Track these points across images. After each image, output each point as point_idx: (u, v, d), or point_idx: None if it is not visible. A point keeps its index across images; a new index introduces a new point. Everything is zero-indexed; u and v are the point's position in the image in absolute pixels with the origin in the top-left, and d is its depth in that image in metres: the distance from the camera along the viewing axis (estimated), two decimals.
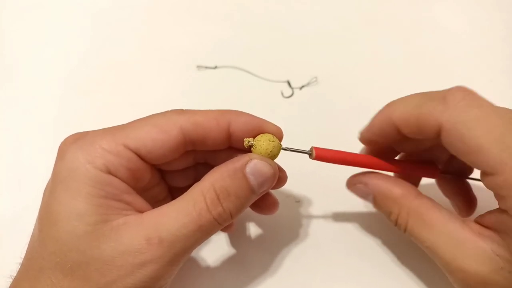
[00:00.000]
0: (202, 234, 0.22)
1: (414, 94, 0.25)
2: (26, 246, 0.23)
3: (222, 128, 0.24)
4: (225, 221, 0.23)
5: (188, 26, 0.46)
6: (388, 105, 0.26)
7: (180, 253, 0.22)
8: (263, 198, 0.28)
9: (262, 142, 0.24)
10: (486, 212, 0.23)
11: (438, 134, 0.23)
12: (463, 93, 0.22)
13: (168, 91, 0.41)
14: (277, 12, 0.47)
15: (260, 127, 0.25)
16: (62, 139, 0.24)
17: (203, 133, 0.24)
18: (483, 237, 0.22)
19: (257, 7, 0.47)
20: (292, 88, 0.41)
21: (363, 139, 0.28)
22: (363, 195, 0.28)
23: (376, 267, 0.30)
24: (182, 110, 0.25)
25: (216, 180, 0.23)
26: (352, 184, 0.28)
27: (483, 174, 0.21)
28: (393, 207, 0.25)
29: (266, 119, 0.26)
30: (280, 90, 0.41)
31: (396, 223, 0.26)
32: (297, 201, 0.33)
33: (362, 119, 0.28)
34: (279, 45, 0.44)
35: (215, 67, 0.42)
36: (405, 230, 0.25)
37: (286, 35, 0.45)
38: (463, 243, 0.22)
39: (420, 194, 0.25)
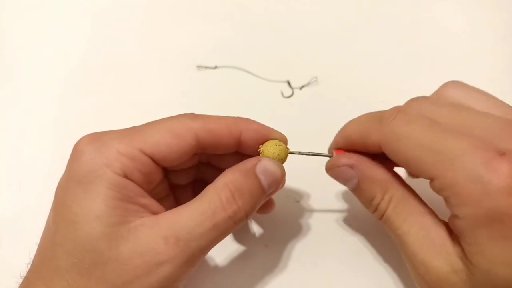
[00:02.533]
0: (217, 233, 0.22)
1: (364, 114, 0.27)
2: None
3: (234, 136, 0.25)
4: (240, 221, 0.23)
5: (188, 26, 0.46)
6: (344, 125, 0.28)
7: (196, 253, 0.22)
8: None
9: (270, 147, 0.26)
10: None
11: (380, 149, 0.24)
12: (396, 112, 0.23)
13: (168, 91, 0.41)
14: (277, 12, 0.47)
15: (267, 135, 0.26)
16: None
17: (216, 140, 0.25)
18: (453, 238, 0.22)
19: (257, 7, 0.47)
20: (292, 88, 0.41)
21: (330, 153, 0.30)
22: (346, 178, 0.27)
23: (376, 266, 0.30)
24: (195, 115, 0.25)
25: (230, 180, 0.23)
26: (335, 166, 0.27)
27: (429, 181, 0.22)
28: (378, 191, 0.25)
29: (271, 126, 0.27)
30: (280, 90, 0.41)
31: (376, 209, 0.25)
32: (297, 201, 0.33)
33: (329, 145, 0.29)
34: (279, 45, 0.44)
35: (215, 67, 0.42)
36: (382, 217, 0.25)
37: (286, 35, 0.45)
38: (433, 239, 0.23)
39: (404, 182, 0.26)
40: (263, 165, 0.24)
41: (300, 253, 0.31)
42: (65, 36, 0.45)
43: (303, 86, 0.41)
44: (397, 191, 0.25)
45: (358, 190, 0.27)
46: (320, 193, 0.34)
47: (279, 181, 0.25)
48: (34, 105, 0.40)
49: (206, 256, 0.31)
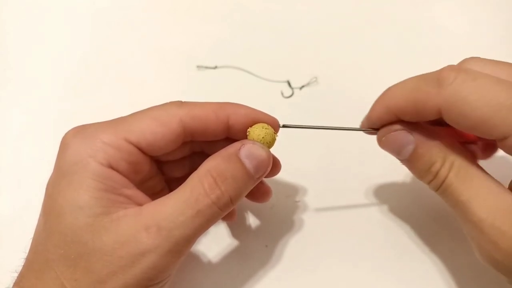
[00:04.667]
0: (201, 220, 0.22)
1: (408, 78, 0.25)
2: (28, 243, 0.23)
3: (221, 121, 0.25)
4: (225, 206, 0.23)
5: (188, 26, 0.46)
6: (384, 94, 0.26)
7: (181, 242, 0.22)
8: (257, 186, 0.29)
9: (255, 129, 0.25)
10: None
11: (439, 115, 0.23)
12: (456, 71, 0.22)
13: (168, 91, 0.40)
14: (277, 12, 0.47)
15: (257, 118, 0.26)
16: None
17: (203, 126, 0.25)
18: None
19: (257, 7, 0.47)
20: (292, 88, 0.41)
21: (364, 127, 0.28)
22: (402, 143, 0.25)
23: (376, 266, 0.30)
24: (181, 102, 0.25)
25: (212, 166, 0.23)
26: (392, 130, 0.26)
27: (498, 141, 0.21)
28: (439, 156, 0.24)
29: (263, 111, 0.26)
30: (280, 90, 0.41)
31: (435, 176, 0.24)
32: (297, 201, 0.33)
33: (362, 119, 0.28)
34: (279, 45, 0.44)
35: (215, 67, 0.42)
36: (441, 185, 0.24)
37: (286, 35, 0.45)
38: (501, 202, 0.21)
39: (464, 146, 0.24)
40: (247, 149, 0.24)
41: (300, 253, 0.31)
42: (65, 36, 0.45)
43: (303, 86, 0.41)
44: (458, 156, 0.23)
45: (414, 157, 0.25)
46: (320, 193, 0.34)
47: (266, 164, 0.24)
48: (34, 105, 0.40)
49: (206, 256, 0.31)
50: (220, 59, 0.42)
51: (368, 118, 0.27)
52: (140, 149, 0.24)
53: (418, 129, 0.25)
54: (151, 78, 0.42)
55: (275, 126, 0.26)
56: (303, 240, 0.32)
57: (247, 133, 0.25)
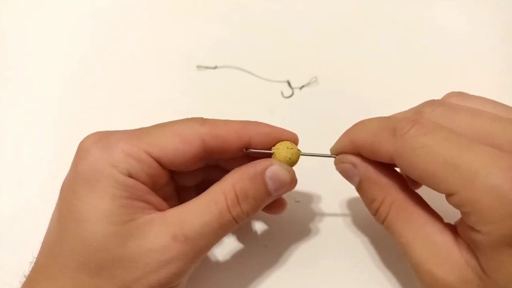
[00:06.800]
0: (222, 232, 0.23)
1: (375, 118, 0.26)
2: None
3: (243, 141, 0.25)
4: (242, 221, 0.24)
5: (188, 26, 0.46)
6: (351, 128, 0.27)
7: (203, 250, 0.23)
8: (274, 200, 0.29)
9: (281, 150, 0.26)
10: (459, 220, 0.23)
11: (392, 161, 0.23)
12: (411, 123, 0.22)
13: (168, 91, 0.41)
14: (277, 12, 0.47)
15: (278, 137, 0.26)
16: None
17: (224, 146, 0.25)
18: (459, 245, 0.21)
19: (257, 7, 0.47)
20: (292, 88, 0.41)
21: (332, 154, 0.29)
22: (349, 175, 0.26)
23: (376, 266, 0.30)
24: (203, 119, 0.25)
25: (237, 182, 0.24)
26: (341, 162, 0.27)
27: (446, 196, 0.21)
28: (378, 194, 0.25)
29: (282, 127, 0.27)
30: (280, 90, 0.41)
31: (376, 212, 0.25)
32: (297, 201, 0.33)
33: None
34: (279, 45, 0.44)
35: (215, 67, 0.42)
36: (383, 222, 0.25)
37: (286, 35, 0.45)
38: (438, 248, 0.22)
39: (408, 187, 0.25)
40: (274, 170, 0.25)
41: (300, 253, 0.31)
42: (65, 36, 0.45)
43: (303, 86, 0.41)
44: (398, 196, 0.24)
45: (359, 190, 0.26)
46: (320, 193, 0.34)
47: (287, 186, 0.25)
48: (34, 105, 0.40)
49: (206, 256, 0.31)
50: (220, 59, 0.42)
51: (335, 148, 0.28)
52: (159, 163, 0.24)
53: (365, 164, 0.26)
54: (151, 78, 0.42)
55: (297, 142, 0.27)
56: (303, 240, 0.32)
57: (272, 154, 0.26)
